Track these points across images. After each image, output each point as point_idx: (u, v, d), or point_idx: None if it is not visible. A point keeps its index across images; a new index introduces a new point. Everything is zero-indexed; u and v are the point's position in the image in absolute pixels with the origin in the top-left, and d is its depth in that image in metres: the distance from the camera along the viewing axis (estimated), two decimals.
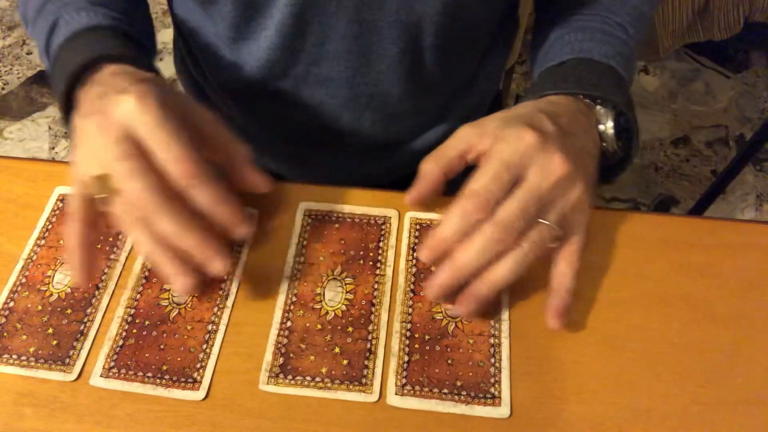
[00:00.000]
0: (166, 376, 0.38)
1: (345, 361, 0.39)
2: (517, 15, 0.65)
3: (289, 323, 0.40)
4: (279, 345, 0.39)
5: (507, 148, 0.39)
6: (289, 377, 0.38)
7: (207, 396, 0.37)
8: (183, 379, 0.38)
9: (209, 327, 0.40)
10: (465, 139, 0.41)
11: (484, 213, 0.38)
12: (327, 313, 0.40)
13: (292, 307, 0.41)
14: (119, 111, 0.36)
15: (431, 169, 0.41)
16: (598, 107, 0.45)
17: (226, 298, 0.41)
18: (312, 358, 0.39)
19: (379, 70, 0.52)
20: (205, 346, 0.39)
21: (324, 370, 0.38)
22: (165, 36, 1.68)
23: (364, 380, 0.38)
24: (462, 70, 0.58)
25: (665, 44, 1.50)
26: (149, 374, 0.38)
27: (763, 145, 1.12)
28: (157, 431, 0.36)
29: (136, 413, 0.37)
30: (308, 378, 0.38)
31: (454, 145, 0.41)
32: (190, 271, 0.37)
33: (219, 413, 0.37)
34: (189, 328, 0.40)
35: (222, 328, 0.40)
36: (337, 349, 0.39)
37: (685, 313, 0.41)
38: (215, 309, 0.41)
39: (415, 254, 0.43)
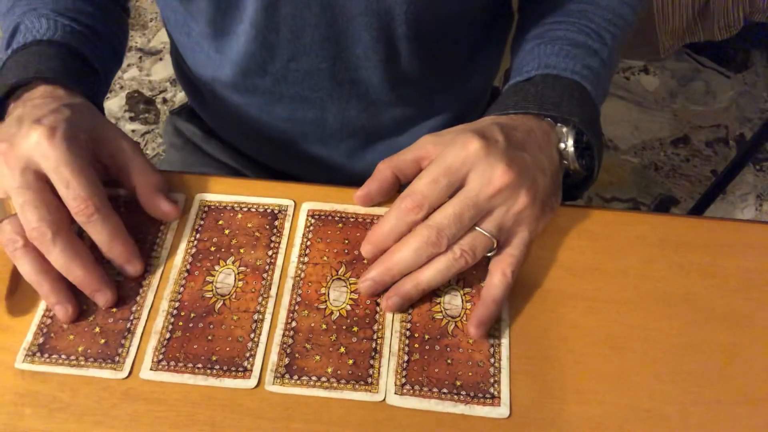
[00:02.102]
0: (216, 366, 0.39)
1: (350, 361, 0.39)
2: (512, 10, 0.65)
3: (294, 323, 0.40)
4: (284, 345, 0.40)
5: (450, 153, 0.40)
6: (295, 377, 0.38)
7: (258, 384, 0.38)
8: (234, 369, 0.39)
9: (255, 317, 0.41)
10: (422, 146, 0.43)
11: (417, 214, 0.39)
12: (332, 313, 0.41)
13: (296, 308, 0.41)
14: (26, 144, 0.39)
15: (383, 169, 0.43)
16: (559, 125, 0.45)
17: (270, 288, 0.42)
18: (317, 358, 0.39)
19: (356, 55, 0.52)
20: (252, 335, 0.40)
21: (330, 370, 0.39)
22: (165, 36, 1.69)
23: (369, 380, 0.38)
24: (446, 64, 0.58)
25: (665, 44, 1.51)
26: (199, 365, 0.39)
27: (763, 145, 1.12)
28: (157, 431, 0.37)
29: (136, 413, 0.37)
30: (314, 378, 0.38)
31: (410, 150, 0.43)
32: (73, 300, 0.40)
33: (219, 413, 0.37)
34: (235, 318, 0.41)
35: (268, 317, 0.41)
36: (342, 349, 0.39)
37: (685, 313, 0.41)
38: (260, 299, 0.41)
39: None
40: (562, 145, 0.45)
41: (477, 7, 0.55)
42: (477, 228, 0.40)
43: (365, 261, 0.43)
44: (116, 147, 0.43)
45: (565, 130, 0.45)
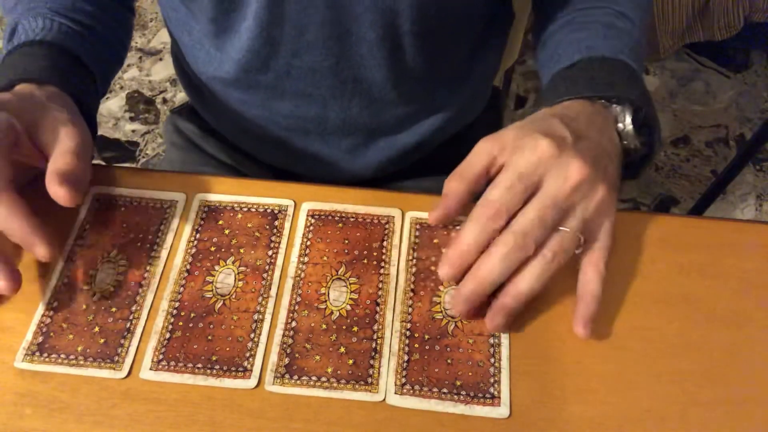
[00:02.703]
0: (216, 366, 0.39)
1: (350, 361, 0.39)
2: (512, 9, 0.65)
3: (294, 323, 0.40)
4: (284, 345, 0.40)
5: (522, 158, 0.39)
6: (295, 377, 0.38)
7: (258, 385, 0.38)
8: (233, 369, 0.38)
9: (255, 317, 0.41)
10: (486, 152, 0.40)
11: (498, 222, 0.38)
12: (332, 313, 0.41)
13: (296, 308, 0.41)
14: None
15: (456, 187, 0.40)
16: (614, 106, 0.45)
17: (270, 288, 0.42)
18: (317, 358, 0.39)
19: (360, 54, 0.52)
20: (252, 335, 0.40)
21: (330, 370, 0.39)
22: (165, 36, 1.69)
23: (370, 380, 0.38)
24: (448, 61, 0.58)
25: (665, 44, 1.51)
26: (199, 365, 0.39)
27: (763, 145, 1.12)
28: (157, 431, 0.37)
29: (136, 413, 0.37)
30: (314, 378, 0.38)
31: (476, 161, 0.40)
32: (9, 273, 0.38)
33: (219, 413, 0.37)
34: (235, 318, 0.41)
35: (268, 317, 0.40)
36: (342, 349, 0.39)
37: (685, 313, 0.41)
38: (259, 299, 0.41)
39: (415, 254, 0.43)
40: (620, 125, 0.44)
41: (479, 2, 0.55)
42: (562, 228, 0.39)
43: (365, 261, 0.43)
44: (52, 135, 0.41)
45: (620, 109, 0.44)
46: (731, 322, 0.41)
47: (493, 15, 0.60)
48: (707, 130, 1.53)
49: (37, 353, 0.39)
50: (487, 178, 0.41)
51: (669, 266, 0.43)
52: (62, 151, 0.40)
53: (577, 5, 0.52)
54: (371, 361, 0.39)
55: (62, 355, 0.39)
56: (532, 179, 0.39)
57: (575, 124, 0.42)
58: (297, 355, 0.39)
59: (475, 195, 0.41)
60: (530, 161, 0.39)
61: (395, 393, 0.38)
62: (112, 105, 1.55)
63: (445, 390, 0.38)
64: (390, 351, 0.39)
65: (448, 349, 0.40)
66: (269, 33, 0.51)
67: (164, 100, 1.57)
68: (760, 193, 1.44)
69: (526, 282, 0.38)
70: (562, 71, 0.48)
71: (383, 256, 0.43)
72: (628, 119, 0.44)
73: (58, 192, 0.38)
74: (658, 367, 0.39)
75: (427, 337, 0.40)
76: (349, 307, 0.41)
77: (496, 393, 0.38)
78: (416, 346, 0.40)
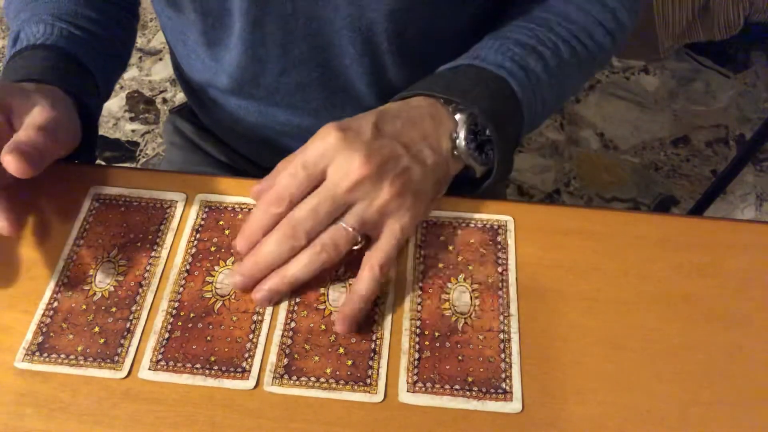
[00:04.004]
0: (215, 367, 0.39)
1: (350, 362, 0.39)
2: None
3: (293, 324, 0.40)
4: (283, 346, 0.40)
5: (311, 146, 0.40)
6: (294, 378, 0.38)
7: (256, 385, 0.38)
8: (232, 369, 0.38)
9: (254, 317, 0.41)
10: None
11: (279, 207, 0.40)
12: (331, 313, 0.41)
13: (296, 308, 0.41)
14: None
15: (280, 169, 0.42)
16: (458, 115, 0.44)
17: None
18: (316, 358, 0.39)
19: (345, 64, 0.52)
20: (251, 336, 0.40)
21: (329, 371, 0.39)
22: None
23: (369, 380, 0.38)
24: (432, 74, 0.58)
25: (665, 44, 1.51)
26: (198, 365, 0.39)
27: (763, 145, 1.12)
28: (157, 431, 0.37)
29: (136, 413, 0.37)
30: (313, 378, 0.38)
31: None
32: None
33: (219, 413, 0.37)
34: (234, 319, 0.40)
35: (267, 318, 0.41)
36: (341, 350, 0.39)
37: (685, 313, 0.41)
38: None
39: (422, 252, 0.43)
40: (454, 135, 0.44)
41: (462, 22, 0.54)
42: (339, 222, 0.40)
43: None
44: (27, 117, 0.41)
45: (459, 117, 0.43)
46: (731, 322, 0.41)
47: (478, 28, 0.59)
48: (707, 130, 1.53)
49: (37, 353, 0.39)
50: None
51: (669, 266, 0.43)
52: (27, 125, 0.41)
53: (514, 22, 0.50)
54: (370, 362, 0.39)
55: (62, 355, 0.39)
56: (316, 168, 0.40)
57: (390, 122, 0.42)
58: (296, 356, 0.39)
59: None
60: (317, 149, 0.40)
61: (407, 391, 0.38)
62: (112, 105, 1.55)
63: (457, 386, 0.38)
64: (390, 350, 0.39)
65: (459, 345, 0.40)
66: (254, 52, 0.51)
67: (164, 100, 1.57)
68: (760, 193, 1.44)
69: (292, 269, 0.40)
70: (441, 71, 0.47)
71: None
72: (462, 131, 0.43)
73: (4, 159, 0.38)
74: (658, 367, 0.39)
75: (437, 334, 0.40)
76: None
77: (508, 388, 0.38)
78: (426, 343, 0.40)
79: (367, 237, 0.41)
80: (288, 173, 0.40)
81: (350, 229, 0.40)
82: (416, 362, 0.39)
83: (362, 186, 0.39)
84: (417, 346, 0.40)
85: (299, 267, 0.40)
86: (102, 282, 0.42)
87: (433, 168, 0.42)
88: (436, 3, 0.49)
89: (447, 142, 0.43)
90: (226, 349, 0.39)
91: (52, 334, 0.40)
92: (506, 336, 0.40)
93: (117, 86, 1.58)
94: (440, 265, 0.43)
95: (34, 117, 0.41)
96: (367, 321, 0.40)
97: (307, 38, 0.49)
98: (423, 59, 0.53)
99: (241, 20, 0.48)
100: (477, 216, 0.45)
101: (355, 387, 0.38)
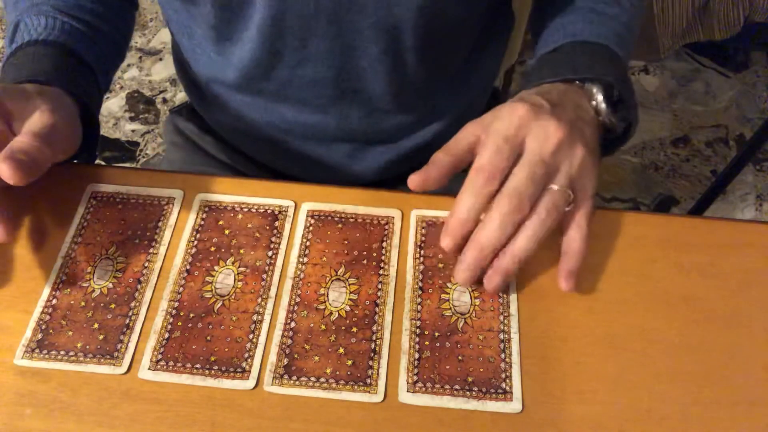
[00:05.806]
0: (215, 367, 0.39)
1: (349, 362, 0.39)
2: (512, 10, 0.65)
3: (293, 324, 0.40)
4: (283, 346, 0.40)
5: (501, 123, 0.41)
6: (294, 378, 0.38)
7: (256, 385, 0.38)
8: (232, 369, 0.38)
9: (254, 317, 0.41)
10: (471, 132, 0.42)
11: (492, 185, 0.39)
12: (331, 313, 0.41)
13: (296, 308, 0.41)
14: None
15: (441, 157, 0.41)
16: (587, 85, 0.46)
17: (269, 289, 0.42)
18: (316, 358, 0.39)
19: (361, 66, 0.52)
20: (251, 336, 0.40)
21: (329, 371, 0.39)
22: (165, 36, 1.69)
23: (368, 380, 0.38)
24: (449, 68, 0.59)
25: (665, 44, 1.50)
26: (197, 365, 0.39)
27: (763, 145, 1.12)
28: (157, 431, 0.37)
29: (136, 413, 0.37)
30: (313, 378, 0.38)
31: (461, 138, 0.42)
32: None
33: (219, 413, 0.37)
34: (234, 318, 0.40)
35: (267, 318, 0.40)
36: (341, 350, 0.39)
37: (685, 313, 0.41)
38: (259, 299, 0.41)
39: (422, 252, 0.43)
40: (594, 102, 0.46)
41: (480, 10, 0.55)
42: (551, 185, 0.40)
43: (364, 262, 0.43)
44: (26, 122, 0.41)
45: (593, 87, 0.46)
46: (731, 322, 0.41)
47: (493, 18, 0.60)
48: (707, 130, 1.53)
49: (37, 350, 0.39)
50: (471, 156, 0.42)
51: (669, 266, 0.43)
52: (25, 131, 0.41)
53: None
54: (370, 362, 0.39)
55: (62, 352, 0.39)
56: (516, 140, 0.40)
57: (550, 96, 0.43)
58: (296, 356, 0.39)
59: (457, 171, 0.42)
60: (512, 124, 0.40)
61: (407, 391, 0.38)
62: (112, 105, 1.55)
63: (457, 386, 0.38)
64: (390, 350, 0.39)
65: (459, 345, 0.40)
66: (272, 44, 0.51)
67: (164, 100, 1.57)
68: (760, 193, 1.44)
69: (522, 242, 0.39)
70: (546, 55, 0.49)
71: (383, 257, 0.43)
72: (600, 96, 0.46)
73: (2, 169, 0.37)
74: (658, 367, 0.39)
75: (437, 334, 0.40)
76: (348, 308, 0.41)
77: (508, 388, 0.38)
78: (426, 343, 0.40)
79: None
80: (491, 151, 0.39)
81: (565, 189, 0.40)
82: (416, 362, 0.39)
83: (562, 148, 0.40)
84: (417, 346, 0.40)
85: (527, 240, 0.39)
86: (100, 279, 0.42)
87: (594, 130, 0.45)
88: None
89: (591, 108, 0.46)
90: (226, 349, 0.39)
91: (51, 331, 0.40)
92: (506, 336, 0.40)
93: (117, 86, 1.58)
94: (440, 265, 0.43)
95: (33, 123, 0.41)
96: (367, 321, 0.40)
97: (325, 39, 0.50)
98: (440, 52, 0.54)
99: (262, 12, 0.48)
100: None
101: (355, 387, 0.38)
